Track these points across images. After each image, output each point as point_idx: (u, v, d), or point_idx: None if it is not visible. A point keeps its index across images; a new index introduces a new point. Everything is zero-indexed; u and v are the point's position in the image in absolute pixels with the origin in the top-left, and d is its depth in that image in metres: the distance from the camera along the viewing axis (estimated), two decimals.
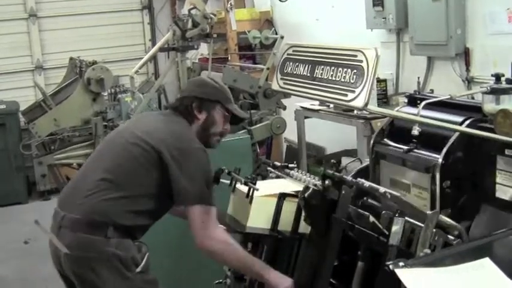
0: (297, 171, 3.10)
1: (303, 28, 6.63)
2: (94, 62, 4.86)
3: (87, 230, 2.63)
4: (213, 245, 2.71)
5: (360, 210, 2.51)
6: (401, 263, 1.80)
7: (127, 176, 2.73)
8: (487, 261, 1.84)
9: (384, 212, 2.40)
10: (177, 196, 2.74)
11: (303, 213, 2.70)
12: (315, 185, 2.75)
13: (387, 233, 2.26)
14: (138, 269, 2.71)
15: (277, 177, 3.15)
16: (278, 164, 3.25)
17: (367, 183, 2.42)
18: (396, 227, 2.31)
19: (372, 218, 2.37)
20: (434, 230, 2.22)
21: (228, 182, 3.07)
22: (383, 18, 5.21)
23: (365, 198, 2.76)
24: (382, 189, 2.34)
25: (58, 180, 5.16)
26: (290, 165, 3.21)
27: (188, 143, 2.79)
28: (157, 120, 2.99)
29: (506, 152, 2.28)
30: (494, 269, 1.81)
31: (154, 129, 2.84)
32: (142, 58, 5.35)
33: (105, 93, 5.16)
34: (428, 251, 2.19)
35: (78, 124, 4.74)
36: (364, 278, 2.38)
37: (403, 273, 1.76)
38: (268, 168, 3.25)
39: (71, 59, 5.83)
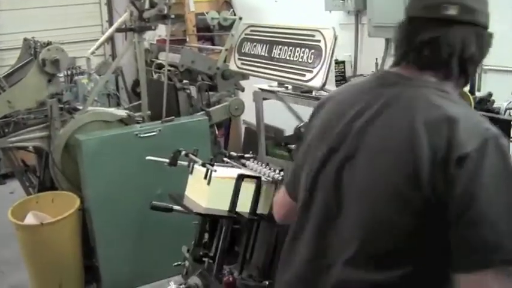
0: (253, 162, 3.10)
1: (261, 9, 6.61)
2: (49, 43, 4.74)
3: None
4: None
5: None
6: None
7: None
8: None
9: None
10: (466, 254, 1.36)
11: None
12: (271, 177, 2.76)
13: None
14: None
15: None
16: (234, 154, 3.24)
17: None
18: None
19: None
20: None
21: (186, 163, 3.05)
22: (341, 0, 5.23)
23: None
24: None
25: (13, 164, 5.06)
26: (246, 156, 3.22)
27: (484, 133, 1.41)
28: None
29: None
30: None
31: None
32: (99, 39, 5.25)
33: (61, 75, 5.05)
34: None
35: (33, 106, 4.62)
36: None
37: None
38: (224, 159, 3.24)
39: (25, 39, 5.68)
